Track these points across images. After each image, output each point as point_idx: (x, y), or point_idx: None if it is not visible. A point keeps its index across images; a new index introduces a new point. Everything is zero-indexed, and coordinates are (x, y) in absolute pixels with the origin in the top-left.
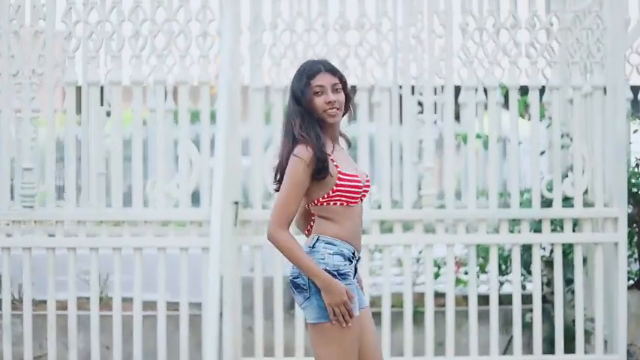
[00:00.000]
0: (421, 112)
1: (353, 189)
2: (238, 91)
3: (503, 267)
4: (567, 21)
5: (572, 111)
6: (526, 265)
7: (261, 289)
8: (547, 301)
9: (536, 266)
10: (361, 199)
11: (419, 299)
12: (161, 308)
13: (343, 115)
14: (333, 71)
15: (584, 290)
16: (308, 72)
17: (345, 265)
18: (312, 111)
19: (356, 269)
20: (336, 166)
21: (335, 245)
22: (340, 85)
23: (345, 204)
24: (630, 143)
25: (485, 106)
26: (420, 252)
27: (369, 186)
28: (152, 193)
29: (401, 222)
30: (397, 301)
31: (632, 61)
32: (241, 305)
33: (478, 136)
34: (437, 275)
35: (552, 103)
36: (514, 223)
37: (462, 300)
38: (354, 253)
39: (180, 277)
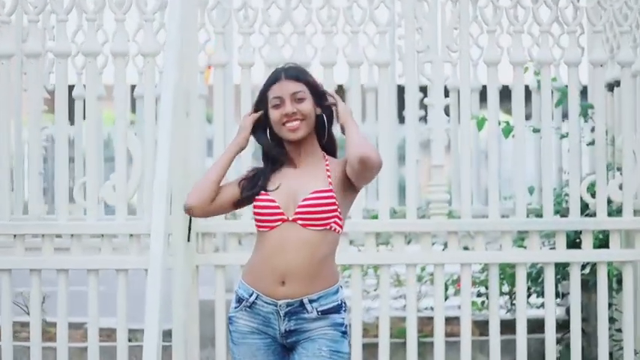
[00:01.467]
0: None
1: (259, 209)
2: (195, 69)
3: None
4: None
5: (620, 94)
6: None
7: (224, 317)
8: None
9: (576, 290)
10: (291, 222)
11: (422, 327)
12: (93, 336)
13: (327, 127)
14: (296, 77)
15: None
16: (266, 83)
17: (232, 308)
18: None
19: (289, 319)
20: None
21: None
22: (305, 93)
23: (258, 228)
24: None
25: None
26: (423, 269)
27: (304, 205)
28: (84, 198)
29: (403, 235)
30: (396, 330)
31: None
32: (201, 335)
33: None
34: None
35: (596, 85)
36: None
37: (474, 327)
38: (251, 296)
39: (118, 302)
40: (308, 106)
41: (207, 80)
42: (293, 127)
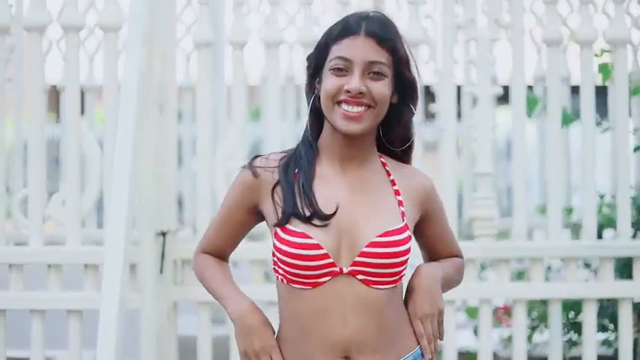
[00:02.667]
0: None
1: (296, 259)
2: (172, 50)
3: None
4: None
5: None
6: (608, 313)
7: (210, 355)
8: None
9: None
10: (347, 276)
11: None
12: None
13: (398, 132)
14: (380, 39)
15: None
16: (335, 30)
17: None
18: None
19: None
20: (283, 210)
21: None
22: (386, 68)
23: (285, 281)
24: None
25: None
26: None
27: (369, 254)
28: (25, 215)
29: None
30: None
31: None
32: None
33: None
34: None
35: None
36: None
37: None
38: None
39: (69, 349)
40: (384, 89)
41: None
42: (353, 113)
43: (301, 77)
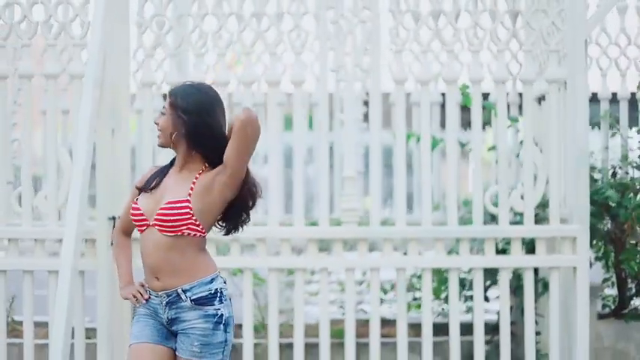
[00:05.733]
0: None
1: (132, 216)
2: (126, 89)
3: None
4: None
5: (522, 109)
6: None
7: None
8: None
9: (479, 294)
10: (152, 227)
11: (361, 328)
12: (28, 331)
13: (194, 146)
14: (169, 94)
15: (544, 321)
16: None
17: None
18: None
19: (170, 308)
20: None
21: None
22: (167, 110)
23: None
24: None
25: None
26: (365, 273)
27: (159, 214)
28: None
29: (341, 241)
30: (336, 331)
31: (591, 53)
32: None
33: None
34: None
35: (499, 100)
36: (449, 241)
37: (412, 329)
38: (147, 291)
39: (57, 300)
40: (165, 122)
41: None
42: (158, 134)
43: None
